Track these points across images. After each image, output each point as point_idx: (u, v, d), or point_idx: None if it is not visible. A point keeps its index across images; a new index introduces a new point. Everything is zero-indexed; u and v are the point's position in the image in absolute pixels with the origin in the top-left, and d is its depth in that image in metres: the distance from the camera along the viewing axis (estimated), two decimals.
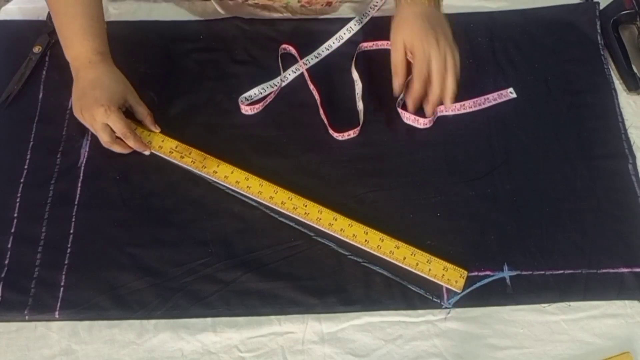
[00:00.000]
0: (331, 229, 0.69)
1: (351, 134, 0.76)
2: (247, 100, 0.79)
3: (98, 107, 0.70)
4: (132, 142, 0.73)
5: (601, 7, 0.86)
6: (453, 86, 0.69)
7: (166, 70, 0.82)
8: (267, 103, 0.79)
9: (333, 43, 0.83)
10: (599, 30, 0.84)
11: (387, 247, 0.68)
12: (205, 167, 0.73)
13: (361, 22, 0.84)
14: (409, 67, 0.71)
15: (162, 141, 0.75)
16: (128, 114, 0.75)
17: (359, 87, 0.79)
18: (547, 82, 0.80)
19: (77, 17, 0.71)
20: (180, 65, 0.82)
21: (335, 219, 0.70)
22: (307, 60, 0.82)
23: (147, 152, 0.75)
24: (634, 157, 0.75)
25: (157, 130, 0.76)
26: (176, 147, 0.75)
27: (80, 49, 0.72)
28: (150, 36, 0.84)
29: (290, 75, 0.81)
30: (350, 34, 0.83)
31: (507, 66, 0.81)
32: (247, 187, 0.72)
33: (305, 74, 0.80)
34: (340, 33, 0.83)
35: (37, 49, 0.82)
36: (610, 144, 0.76)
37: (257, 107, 0.78)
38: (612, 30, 0.83)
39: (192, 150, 0.75)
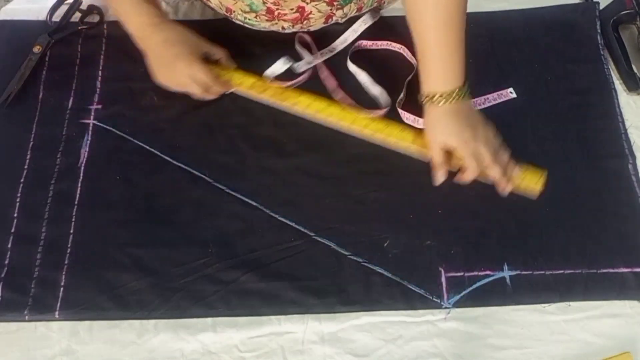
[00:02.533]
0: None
1: (379, 112, 0.77)
2: (271, 75, 0.80)
3: (180, 61, 0.72)
4: (217, 87, 0.75)
5: (601, 7, 0.86)
6: (507, 158, 0.69)
7: None
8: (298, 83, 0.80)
9: (349, 36, 0.83)
10: (599, 30, 0.84)
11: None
12: (284, 100, 0.76)
13: (374, 18, 0.84)
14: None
15: (242, 78, 0.78)
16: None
17: (364, 75, 0.79)
18: (547, 82, 0.80)
19: None
20: None
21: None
22: (323, 52, 0.82)
23: (230, 90, 0.77)
24: (634, 157, 0.75)
25: (234, 66, 0.77)
26: (255, 83, 0.77)
27: (141, 19, 0.74)
28: None
29: (304, 65, 0.81)
30: (366, 26, 0.83)
31: (507, 66, 0.81)
32: (329, 114, 0.75)
33: (321, 63, 0.81)
34: (355, 26, 0.83)
35: (37, 49, 0.82)
36: (610, 144, 0.76)
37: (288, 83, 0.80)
38: (612, 30, 0.83)
39: (270, 86, 0.77)
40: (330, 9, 0.73)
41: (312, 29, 0.80)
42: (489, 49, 0.82)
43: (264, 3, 0.71)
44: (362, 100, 0.78)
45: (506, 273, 0.68)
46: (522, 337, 0.65)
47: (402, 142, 0.73)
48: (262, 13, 0.73)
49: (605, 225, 0.70)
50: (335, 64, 0.81)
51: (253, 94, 0.77)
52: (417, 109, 0.74)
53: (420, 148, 0.72)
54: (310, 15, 0.74)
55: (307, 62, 0.81)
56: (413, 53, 0.81)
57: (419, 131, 0.73)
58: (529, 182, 0.69)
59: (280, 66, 0.80)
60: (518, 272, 0.68)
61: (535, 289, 0.67)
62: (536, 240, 0.70)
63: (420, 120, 0.75)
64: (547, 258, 0.68)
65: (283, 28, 0.77)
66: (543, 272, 0.68)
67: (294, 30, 0.79)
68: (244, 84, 0.77)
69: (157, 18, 0.74)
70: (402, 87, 0.79)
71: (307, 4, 0.72)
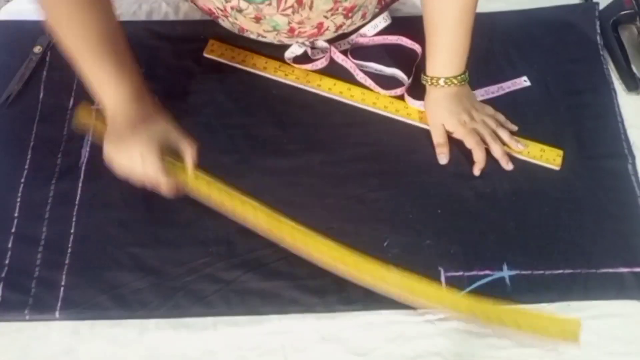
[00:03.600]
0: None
1: (398, 91, 0.80)
2: (291, 56, 0.82)
3: (131, 155, 0.64)
4: (164, 188, 0.67)
5: (601, 7, 0.86)
6: (508, 137, 0.74)
7: (166, 70, 0.82)
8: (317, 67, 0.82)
9: (369, 30, 0.83)
10: (599, 31, 0.84)
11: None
12: (309, 83, 0.80)
13: (388, 19, 0.84)
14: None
15: (266, 62, 0.81)
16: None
17: (372, 64, 0.81)
18: (546, 82, 0.80)
19: (106, 57, 0.63)
20: (180, 65, 0.82)
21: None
22: (339, 44, 0.84)
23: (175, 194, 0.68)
24: (633, 157, 0.75)
25: (194, 172, 0.68)
26: (280, 67, 0.81)
27: (116, 91, 0.64)
28: (150, 36, 0.84)
29: (320, 53, 0.83)
30: (386, 23, 0.84)
31: (506, 66, 0.82)
32: (351, 95, 0.79)
33: (335, 50, 0.82)
34: (376, 21, 0.83)
35: (37, 49, 0.82)
36: (610, 144, 0.76)
37: (309, 66, 0.82)
38: (612, 30, 0.83)
39: (295, 69, 0.81)
40: (344, 20, 0.74)
41: (321, 38, 0.81)
42: (488, 49, 0.83)
43: (289, 23, 0.72)
44: (380, 80, 0.80)
45: (506, 273, 0.68)
46: (522, 336, 0.65)
47: (422, 121, 0.78)
48: (284, 31, 0.74)
49: (605, 225, 0.70)
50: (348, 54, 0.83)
51: (278, 77, 0.80)
52: (424, 94, 0.76)
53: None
54: (326, 31, 0.76)
55: (322, 48, 0.82)
56: (413, 41, 0.82)
57: None
58: (548, 156, 0.74)
59: (297, 48, 0.81)
60: (517, 271, 0.68)
61: (535, 288, 0.67)
62: (536, 240, 0.70)
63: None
64: (547, 258, 0.68)
65: (297, 42, 0.78)
66: (543, 272, 0.68)
67: (303, 41, 0.80)
68: (268, 69, 0.80)
69: (133, 94, 0.65)
70: (409, 73, 0.80)
71: (327, 18, 0.73)
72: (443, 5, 0.70)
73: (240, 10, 0.72)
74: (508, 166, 0.73)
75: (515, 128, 0.76)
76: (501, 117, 0.76)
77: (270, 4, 0.70)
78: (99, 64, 0.63)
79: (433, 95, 0.75)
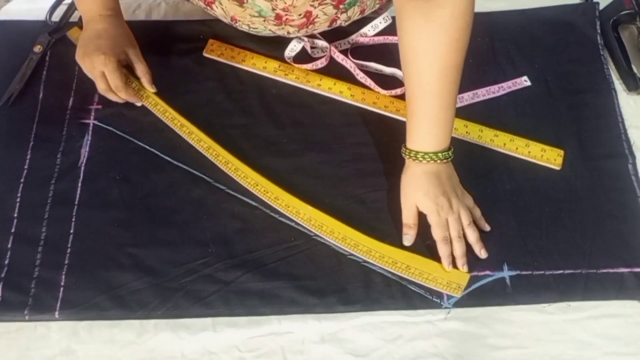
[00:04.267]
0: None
1: (398, 91, 0.79)
2: (291, 55, 0.82)
3: (98, 54, 0.74)
4: (123, 95, 0.76)
5: (601, 7, 0.86)
6: (475, 239, 0.68)
7: (166, 70, 0.82)
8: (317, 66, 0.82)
9: (369, 31, 0.83)
10: (599, 31, 0.84)
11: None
12: (309, 82, 0.80)
13: (389, 19, 0.84)
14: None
15: (266, 62, 0.81)
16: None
17: (372, 64, 0.81)
18: (547, 82, 0.80)
19: None
20: (180, 65, 0.82)
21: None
22: (339, 44, 0.84)
23: (138, 104, 0.78)
24: (633, 157, 0.75)
25: (153, 90, 0.78)
26: (280, 67, 0.81)
27: (92, 5, 0.76)
28: (150, 36, 0.84)
29: (320, 52, 0.83)
30: (387, 23, 0.83)
31: (507, 66, 0.82)
32: (351, 95, 0.79)
33: (335, 49, 0.82)
34: (376, 22, 0.83)
35: (37, 49, 0.82)
36: (610, 144, 0.76)
37: (309, 66, 0.81)
38: (612, 30, 0.83)
39: (295, 68, 0.81)
40: (336, 13, 0.74)
41: (316, 32, 0.80)
42: (488, 49, 0.83)
43: (273, 10, 0.71)
44: (380, 80, 0.80)
45: (506, 273, 0.68)
46: (522, 337, 0.65)
47: None
48: (271, 19, 0.73)
49: (605, 225, 0.70)
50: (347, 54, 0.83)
51: (277, 76, 0.80)
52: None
53: None
54: (316, 20, 0.74)
55: (322, 48, 0.82)
56: None
57: None
58: (549, 156, 0.73)
59: (295, 44, 0.81)
60: (518, 272, 0.68)
61: (535, 289, 0.67)
62: (536, 240, 0.70)
63: None
64: (547, 258, 0.68)
65: (288, 33, 0.77)
66: (543, 272, 0.68)
67: (299, 34, 0.79)
68: (267, 68, 0.81)
69: (106, 11, 0.76)
70: None
71: (315, 8, 0.72)
72: (420, 68, 0.65)
73: None
74: (464, 267, 0.67)
75: (487, 228, 0.69)
76: (477, 213, 0.69)
77: None
78: None
79: (411, 171, 0.69)
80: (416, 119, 0.68)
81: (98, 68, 0.74)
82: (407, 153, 0.69)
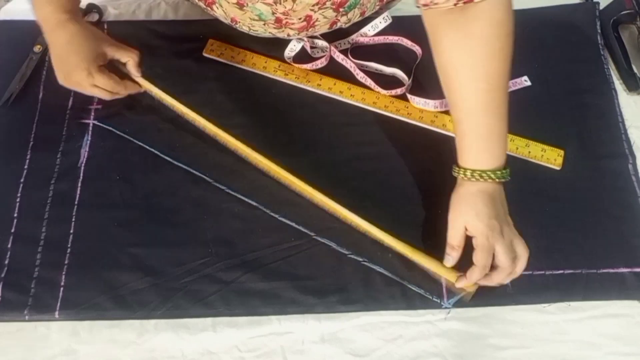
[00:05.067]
0: None
1: (398, 91, 0.78)
2: (291, 55, 0.82)
3: (80, 71, 0.70)
4: (124, 91, 0.74)
5: (601, 7, 0.86)
6: (519, 274, 0.63)
7: (166, 70, 0.82)
8: (317, 66, 0.81)
9: (369, 30, 0.83)
10: (599, 30, 0.84)
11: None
12: (309, 82, 0.79)
13: (388, 19, 0.84)
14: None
15: (266, 62, 0.81)
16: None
17: (373, 64, 0.81)
18: (547, 82, 0.80)
19: None
20: (180, 65, 0.82)
21: None
22: (339, 44, 0.83)
23: (142, 90, 0.76)
24: (634, 157, 0.75)
25: (139, 74, 0.75)
26: (280, 67, 0.80)
27: (47, 9, 0.70)
28: (150, 36, 0.84)
29: (320, 52, 0.83)
30: (387, 23, 0.83)
31: None
32: (351, 95, 0.78)
33: (335, 49, 0.82)
34: (376, 22, 0.83)
35: (37, 49, 0.82)
36: (610, 144, 0.76)
37: (309, 65, 0.81)
38: (612, 30, 0.83)
39: (295, 68, 0.80)
40: (336, 15, 0.74)
41: (316, 34, 0.80)
42: None
43: (273, 13, 0.71)
44: (380, 80, 0.80)
45: None
46: (522, 337, 0.65)
47: (422, 121, 0.77)
48: (271, 22, 0.73)
49: (605, 225, 0.70)
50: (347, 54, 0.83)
51: (277, 76, 0.80)
52: (425, 94, 0.76)
53: (440, 127, 0.76)
54: (316, 23, 0.74)
55: (322, 48, 0.82)
56: (413, 42, 0.82)
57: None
58: (549, 156, 0.73)
59: (295, 44, 0.81)
60: None
61: (535, 289, 0.67)
62: (536, 240, 0.69)
63: (430, 102, 0.76)
64: (547, 258, 0.68)
65: (289, 35, 0.77)
66: (543, 272, 0.68)
67: (300, 36, 0.79)
68: (267, 68, 0.80)
69: (65, 14, 0.71)
70: (409, 73, 0.80)
71: (315, 12, 0.72)
72: (464, 84, 0.61)
73: None
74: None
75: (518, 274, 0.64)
76: (524, 250, 0.64)
77: None
78: None
79: (463, 189, 0.64)
80: (468, 137, 0.63)
81: (87, 83, 0.72)
82: (460, 172, 0.64)
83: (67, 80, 0.72)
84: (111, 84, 0.73)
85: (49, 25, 0.71)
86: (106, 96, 0.74)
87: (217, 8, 0.75)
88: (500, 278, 0.62)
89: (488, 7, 0.58)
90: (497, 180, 0.63)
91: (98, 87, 0.72)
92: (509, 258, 0.61)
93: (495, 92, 0.61)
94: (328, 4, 0.70)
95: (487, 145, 0.63)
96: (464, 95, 0.62)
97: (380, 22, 0.83)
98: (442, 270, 0.65)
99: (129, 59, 0.74)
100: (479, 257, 0.61)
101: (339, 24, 0.77)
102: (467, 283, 0.62)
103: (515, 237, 0.63)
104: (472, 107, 0.62)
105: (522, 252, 0.62)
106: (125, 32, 0.84)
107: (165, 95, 0.75)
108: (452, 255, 0.64)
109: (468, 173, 0.63)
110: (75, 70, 0.71)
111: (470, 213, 0.62)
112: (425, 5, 0.60)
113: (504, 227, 0.62)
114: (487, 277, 0.62)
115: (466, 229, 0.63)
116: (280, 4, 0.69)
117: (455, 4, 0.58)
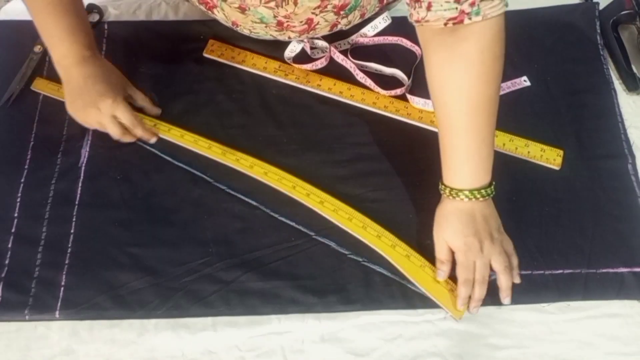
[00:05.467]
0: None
1: (398, 91, 0.79)
2: (291, 56, 0.82)
3: (105, 99, 0.71)
4: (140, 132, 0.74)
5: (601, 7, 0.86)
6: (506, 286, 0.65)
7: (166, 70, 0.82)
8: (317, 67, 0.81)
9: (368, 31, 0.83)
10: (599, 31, 0.84)
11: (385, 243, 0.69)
12: (308, 83, 0.80)
13: (388, 19, 0.84)
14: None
15: (266, 62, 0.81)
16: None
17: (372, 64, 0.81)
18: (546, 82, 0.80)
19: (64, 14, 0.69)
20: (180, 65, 0.82)
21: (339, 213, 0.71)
22: (339, 44, 0.84)
23: (153, 140, 0.75)
24: (633, 157, 0.75)
25: (158, 111, 0.77)
26: (280, 67, 0.80)
27: (70, 47, 0.71)
28: (150, 36, 0.84)
29: (320, 52, 0.83)
30: (386, 23, 0.83)
31: (506, 66, 0.80)
32: (351, 95, 0.79)
33: (335, 50, 0.82)
34: (376, 22, 0.83)
35: (38, 49, 0.82)
36: (610, 144, 0.76)
37: (309, 66, 0.81)
38: (612, 30, 0.83)
39: (295, 68, 0.81)
40: (336, 18, 0.74)
41: (317, 36, 0.80)
42: None
43: (275, 17, 0.71)
44: (380, 80, 0.80)
45: None
46: (522, 336, 0.65)
47: (422, 121, 0.77)
48: (272, 25, 0.73)
49: (605, 225, 0.70)
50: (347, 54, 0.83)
51: (278, 77, 0.80)
52: (424, 94, 0.75)
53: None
54: (317, 26, 0.74)
55: (322, 48, 0.82)
56: (412, 42, 0.82)
57: None
58: (549, 156, 0.73)
59: (295, 45, 0.81)
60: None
61: (535, 288, 0.67)
62: (536, 240, 0.70)
63: (430, 102, 0.76)
64: (547, 258, 0.68)
65: (290, 37, 0.78)
66: (542, 272, 0.68)
67: (300, 38, 0.79)
68: (275, 71, 0.80)
69: (88, 51, 0.72)
70: (408, 74, 0.80)
71: (316, 15, 0.72)
72: (448, 103, 0.62)
73: None
74: (473, 310, 0.65)
75: (518, 281, 0.65)
76: (515, 261, 0.66)
77: None
78: (53, 20, 0.69)
79: (443, 206, 0.67)
80: (449, 155, 0.65)
81: (108, 113, 0.72)
82: (442, 189, 0.66)
83: (84, 112, 0.72)
84: (132, 118, 0.73)
85: (71, 61, 0.71)
86: (119, 133, 0.73)
87: (219, 12, 0.75)
88: (478, 293, 0.64)
89: (477, 29, 0.59)
90: (476, 199, 0.64)
91: (116, 118, 0.72)
92: (486, 272, 0.64)
93: (478, 114, 0.62)
94: (329, 7, 0.70)
95: (467, 166, 0.64)
96: (448, 114, 0.63)
97: (380, 23, 0.83)
98: (443, 300, 0.66)
99: (146, 102, 0.77)
100: (459, 273, 0.65)
101: (339, 26, 0.77)
102: (459, 300, 0.64)
103: (496, 252, 0.64)
104: (454, 127, 0.63)
105: (498, 267, 0.64)
106: (126, 32, 0.84)
107: (185, 139, 0.76)
108: (443, 269, 0.66)
109: (447, 191, 0.65)
110: (99, 99, 0.71)
111: (448, 231, 0.65)
112: (417, 21, 0.61)
113: (485, 242, 0.64)
114: (474, 291, 0.64)
115: (449, 246, 0.65)
116: (281, 7, 0.69)
117: (445, 24, 0.58)
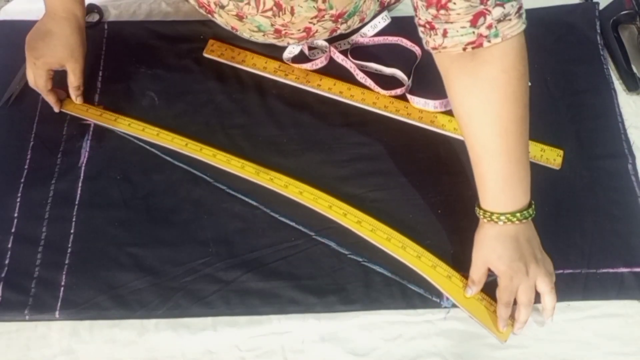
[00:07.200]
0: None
1: (398, 91, 0.79)
2: (290, 56, 0.82)
3: (30, 56, 0.74)
4: (44, 96, 0.77)
5: (601, 7, 0.86)
6: (551, 307, 0.63)
7: (166, 70, 0.82)
8: (316, 66, 0.82)
9: (368, 31, 0.83)
10: (599, 31, 0.84)
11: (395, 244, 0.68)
12: (308, 83, 0.80)
13: (387, 18, 0.84)
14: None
15: (266, 62, 0.81)
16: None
17: (372, 64, 0.81)
18: (546, 82, 0.80)
19: None
20: (180, 65, 0.82)
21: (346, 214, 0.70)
22: (339, 44, 0.84)
23: (56, 109, 0.78)
24: (633, 157, 0.75)
25: (79, 102, 0.78)
26: (280, 67, 0.80)
27: (55, 1, 0.75)
28: (150, 36, 0.84)
29: (320, 52, 0.83)
30: (386, 22, 0.83)
31: None
32: (351, 95, 0.79)
33: (334, 50, 0.82)
34: (375, 21, 0.83)
35: None
36: (610, 144, 0.76)
37: (308, 65, 0.81)
38: (612, 30, 0.83)
39: (295, 68, 0.81)
40: (335, 25, 0.74)
41: (316, 40, 0.81)
42: None
43: (272, 25, 0.71)
44: (380, 80, 0.80)
45: None
46: (521, 336, 0.65)
47: (422, 121, 0.77)
48: (270, 32, 0.73)
49: (605, 225, 0.70)
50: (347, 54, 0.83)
51: (278, 77, 0.80)
52: (425, 94, 0.75)
53: (440, 127, 0.76)
54: (316, 33, 0.75)
55: (321, 48, 0.82)
56: (412, 42, 0.82)
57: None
58: (548, 156, 0.73)
59: (294, 47, 0.81)
60: None
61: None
62: None
63: (430, 102, 0.76)
64: None
65: (289, 43, 0.78)
66: None
67: (300, 43, 0.80)
68: (268, 68, 0.80)
69: (63, 13, 0.75)
70: (408, 74, 0.80)
71: (314, 24, 0.72)
72: (478, 129, 0.60)
73: (222, 7, 0.72)
74: (518, 331, 0.64)
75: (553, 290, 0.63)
76: (553, 279, 0.64)
77: (249, 4, 0.69)
78: None
79: (483, 231, 0.64)
80: (485, 180, 0.63)
81: (30, 67, 0.75)
82: (481, 214, 0.64)
83: (26, 50, 0.75)
84: (44, 85, 0.75)
85: (48, 12, 0.76)
86: (32, 83, 0.76)
87: (218, 17, 0.75)
88: (524, 315, 0.63)
89: (498, 51, 0.57)
90: (519, 221, 0.62)
91: (29, 74, 0.75)
92: (532, 295, 0.62)
93: (509, 135, 0.60)
94: (326, 16, 0.70)
95: (504, 189, 0.62)
96: (479, 139, 0.61)
97: (380, 22, 0.83)
98: (486, 321, 0.65)
99: (75, 88, 0.77)
100: (501, 296, 0.63)
101: (339, 31, 0.78)
102: (501, 321, 0.63)
103: (541, 274, 0.62)
104: (487, 151, 0.61)
105: (544, 289, 0.62)
106: (126, 32, 0.84)
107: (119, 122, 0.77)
108: (472, 289, 0.65)
109: (487, 215, 0.63)
110: (31, 51, 0.74)
111: (492, 256, 0.63)
112: (434, 48, 0.59)
113: (530, 266, 0.62)
114: (518, 313, 0.63)
115: (490, 267, 0.63)
116: (278, 16, 0.69)
117: (464, 49, 0.57)
